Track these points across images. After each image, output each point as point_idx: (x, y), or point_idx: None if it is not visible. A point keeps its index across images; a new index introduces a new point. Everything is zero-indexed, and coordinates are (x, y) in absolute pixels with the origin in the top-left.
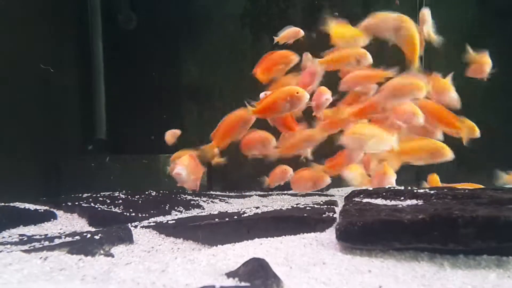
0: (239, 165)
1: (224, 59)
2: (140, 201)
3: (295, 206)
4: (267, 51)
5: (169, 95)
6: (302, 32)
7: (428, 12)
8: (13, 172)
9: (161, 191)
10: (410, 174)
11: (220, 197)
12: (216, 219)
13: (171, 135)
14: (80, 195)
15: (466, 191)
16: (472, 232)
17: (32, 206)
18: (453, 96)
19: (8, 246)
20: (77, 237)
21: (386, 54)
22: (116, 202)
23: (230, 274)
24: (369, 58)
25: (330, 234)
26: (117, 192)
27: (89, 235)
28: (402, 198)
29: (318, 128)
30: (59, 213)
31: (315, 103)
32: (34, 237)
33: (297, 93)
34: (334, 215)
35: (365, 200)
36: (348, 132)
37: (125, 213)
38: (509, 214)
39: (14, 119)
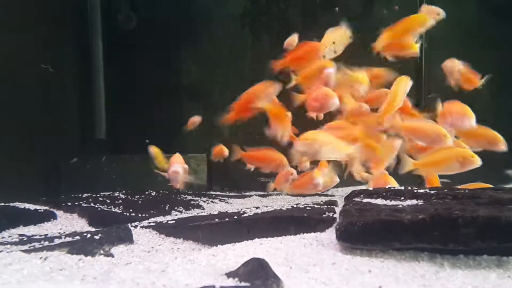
0: (239, 165)
1: (224, 59)
2: (140, 201)
3: (295, 206)
4: (267, 51)
5: (169, 95)
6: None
7: None
8: (13, 172)
9: (161, 191)
10: (410, 174)
11: (220, 197)
12: (216, 219)
13: (192, 122)
14: (80, 195)
15: (466, 191)
16: (472, 232)
17: (32, 206)
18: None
19: (8, 246)
20: (77, 237)
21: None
22: (116, 202)
23: (230, 274)
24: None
25: (330, 234)
26: (117, 192)
27: (89, 235)
28: (402, 198)
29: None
30: (59, 213)
31: (319, 104)
32: (34, 237)
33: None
34: (334, 215)
35: (365, 200)
36: (302, 137)
37: (125, 213)
38: (510, 214)
39: (14, 119)
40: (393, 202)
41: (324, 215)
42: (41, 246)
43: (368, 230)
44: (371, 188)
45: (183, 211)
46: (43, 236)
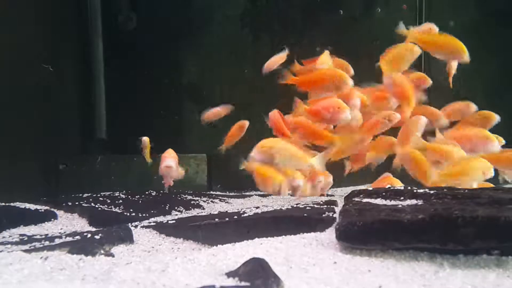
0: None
1: (224, 59)
2: (140, 201)
3: (295, 206)
4: (267, 51)
5: (169, 95)
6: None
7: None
8: (14, 172)
9: (161, 191)
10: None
11: (220, 197)
12: (216, 219)
13: (213, 113)
14: (80, 195)
15: (466, 191)
16: (472, 232)
17: (32, 206)
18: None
19: (9, 246)
20: (78, 237)
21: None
22: (117, 202)
23: (230, 274)
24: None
25: (330, 234)
26: (117, 192)
27: (89, 235)
28: (402, 198)
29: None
30: (60, 213)
31: (330, 115)
32: (35, 237)
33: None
34: (334, 215)
35: (365, 200)
36: (258, 145)
37: (125, 213)
38: (509, 214)
39: (14, 119)
40: (393, 202)
41: (324, 215)
42: (41, 246)
43: (368, 230)
44: (371, 188)
45: (183, 211)
46: (43, 236)
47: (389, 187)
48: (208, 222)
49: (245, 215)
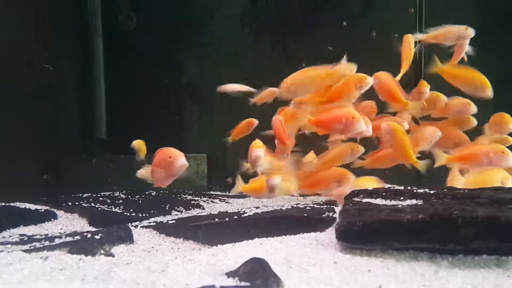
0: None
1: (224, 59)
2: (140, 201)
3: (295, 206)
4: (267, 51)
5: (169, 95)
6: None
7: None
8: (14, 172)
9: (161, 191)
10: (410, 174)
11: (220, 197)
12: (216, 219)
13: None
14: (80, 195)
15: (466, 191)
16: (472, 232)
17: (32, 206)
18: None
19: (9, 246)
20: (78, 237)
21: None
22: (116, 202)
23: (230, 274)
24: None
25: (330, 234)
26: (117, 192)
27: (89, 235)
28: (402, 198)
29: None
30: (60, 213)
31: (342, 126)
32: (35, 237)
33: (353, 117)
34: (334, 215)
35: (365, 200)
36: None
37: (125, 213)
38: (509, 214)
39: (14, 119)
40: (393, 202)
41: (324, 215)
42: (41, 246)
43: (368, 230)
44: (371, 188)
45: (183, 211)
46: (43, 236)
47: (389, 187)
48: (208, 222)
49: (245, 215)
